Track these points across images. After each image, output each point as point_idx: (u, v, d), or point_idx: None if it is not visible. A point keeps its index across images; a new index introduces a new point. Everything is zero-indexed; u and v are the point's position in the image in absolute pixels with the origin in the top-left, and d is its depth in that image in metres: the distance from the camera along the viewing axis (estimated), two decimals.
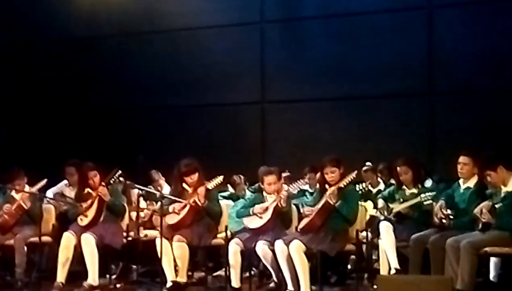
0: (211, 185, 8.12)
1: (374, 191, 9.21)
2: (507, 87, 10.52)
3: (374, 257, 8.10)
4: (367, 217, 8.15)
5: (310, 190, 9.15)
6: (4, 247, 8.61)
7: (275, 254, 7.57)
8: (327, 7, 11.70)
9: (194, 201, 8.00)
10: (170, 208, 8.15)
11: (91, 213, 8.42)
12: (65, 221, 8.75)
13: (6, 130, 12.79)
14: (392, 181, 8.67)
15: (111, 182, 8.44)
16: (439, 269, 7.10)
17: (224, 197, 9.47)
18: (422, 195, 7.62)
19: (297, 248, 7.44)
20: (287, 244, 7.48)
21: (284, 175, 8.79)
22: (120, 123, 12.47)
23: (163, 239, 7.82)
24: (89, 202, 8.45)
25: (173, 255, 7.88)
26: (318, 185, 8.11)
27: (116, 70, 12.62)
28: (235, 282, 7.82)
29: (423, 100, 11.19)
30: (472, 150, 7.66)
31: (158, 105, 12.44)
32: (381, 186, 9.36)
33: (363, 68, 11.38)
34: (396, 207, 7.93)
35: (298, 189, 9.07)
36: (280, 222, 7.96)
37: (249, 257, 8.17)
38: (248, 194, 9.26)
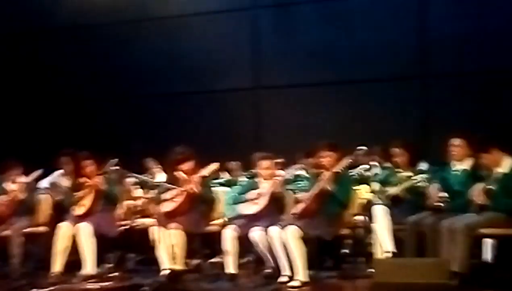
0: (206, 172, 8.12)
1: (369, 174, 9.21)
2: (500, 69, 10.54)
3: (369, 241, 8.10)
4: (363, 201, 8.15)
5: (305, 175, 9.15)
6: (0, 238, 8.60)
7: (271, 239, 7.58)
8: None
9: (191, 188, 8.00)
10: (166, 196, 8.15)
11: (87, 202, 8.43)
12: (61, 210, 8.75)
13: None
14: (387, 164, 8.68)
15: (106, 170, 8.44)
16: (435, 251, 7.11)
17: (220, 184, 9.47)
18: (417, 177, 7.63)
19: (294, 233, 7.45)
20: (283, 230, 7.49)
21: (278, 161, 8.80)
22: (114, 112, 12.47)
23: (159, 227, 7.82)
24: (85, 191, 8.45)
25: (169, 243, 7.87)
26: (313, 170, 8.11)
27: (110, 59, 12.60)
28: (232, 269, 7.83)
29: (416, 83, 11.21)
30: (464, 132, 7.67)
31: (153, 93, 12.43)
32: (376, 170, 9.36)
33: (356, 52, 11.39)
34: (392, 190, 7.94)
35: (293, 174, 9.06)
36: (275, 208, 7.97)
37: (245, 243, 8.18)
38: (243, 180, 9.26)
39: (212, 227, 8.33)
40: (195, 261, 8.82)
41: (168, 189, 8.15)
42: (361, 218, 7.99)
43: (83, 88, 12.70)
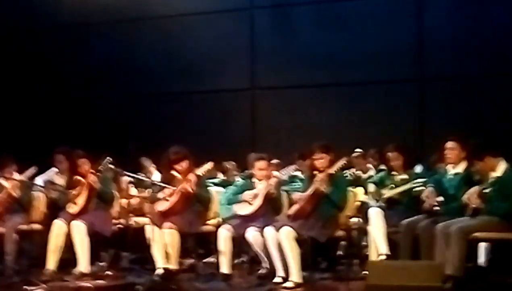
0: (200, 171, 8.11)
1: (364, 177, 9.23)
2: (497, 74, 10.57)
3: (364, 243, 8.11)
4: (357, 203, 8.16)
5: (301, 176, 9.16)
6: None
7: (266, 240, 7.58)
8: None
9: (185, 188, 7.99)
10: (160, 195, 8.15)
11: (81, 200, 8.42)
12: (55, 208, 8.74)
13: None
14: (383, 167, 8.69)
15: (101, 169, 8.43)
16: (429, 254, 7.11)
17: (215, 184, 9.47)
18: (413, 182, 7.64)
19: (288, 234, 7.45)
20: (278, 230, 7.49)
21: (273, 161, 8.81)
22: (110, 111, 12.45)
23: (153, 226, 7.81)
24: (79, 189, 8.44)
25: (163, 242, 7.87)
26: (307, 172, 8.11)
27: (105, 58, 12.59)
28: (226, 269, 7.82)
29: (413, 87, 11.22)
30: (459, 135, 7.67)
31: (149, 92, 12.43)
32: (372, 172, 9.39)
33: (353, 54, 11.40)
34: (387, 193, 7.95)
35: (289, 175, 9.07)
36: (270, 209, 7.97)
37: (240, 244, 8.18)
38: (239, 180, 9.25)
39: (207, 227, 8.32)
40: (190, 261, 8.83)
41: (163, 188, 8.13)
42: (356, 220, 7.99)
43: (79, 86, 12.69)
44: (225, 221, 8.21)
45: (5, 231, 8.41)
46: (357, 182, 8.96)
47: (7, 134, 12.24)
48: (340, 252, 8.69)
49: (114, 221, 8.67)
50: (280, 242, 7.46)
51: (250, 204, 7.97)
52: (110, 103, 12.49)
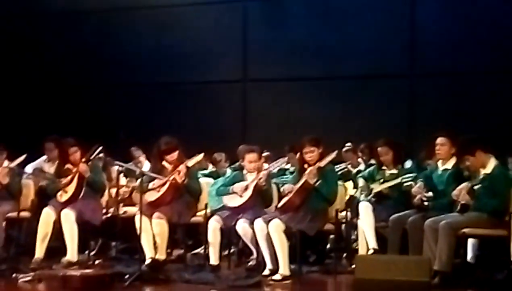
0: (191, 162, 8.10)
1: (354, 171, 9.25)
2: (488, 70, 10.59)
3: (353, 237, 8.13)
4: (347, 197, 8.17)
5: (291, 169, 9.16)
6: None
7: (255, 232, 7.59)
8: None
9: (174, 179, 7.98)
10: (150, 185, 8.13)
11: (70, 189, 8.38)
12: (44, 196, 8.72)
13: None
14: (373, 161, 8.70)
15: (91, 158, 8.41)
16: (418, 249, 7.15)
17: (205, 175, 9.47)
18: (403, 177, 7.66)
19: (277, 227, 7.46)
20: (267, 223, 7.50)
21: (264, 154, 8.81)
22: (101, 100, 12.42)
23: (143, 216, 7.80)
24: (69, 178, 8.41)
25: (152, 232, 7.87)
26: (297, 165, 8.10)
27: (97, 46, 12.55)
28: (214, 260, 7.83)
29: (404, 82, 11.23)
30: (449, 131, 7.70)
31: (140, 82, 12.41)
32: (361, 167, 9.40)
33: (345, 48, 11.41)
34: (376, 187, 7.96)
35: (279, 168, 9.07)
36: (260, 201, 7.97)
37: (228, 235, 8.18)
38: (229, 172, 9.25)
39: (196, 218, 8.31)
40: (178, 252, 8.83)
41: (153, 178, 8.12)
42: (345, 214, 8.01)
43: (70, 75, 12.64)
44: (214, 212, 8.21)
45: None
46: (347, 176, 8.97)
47: None
48: (329, 246, 8.71)
49: (103, 210, 8.65)
50: (269, 235, 7.47)
51: (240, 196, 7.96)
52: (101, 92, 12.46)
